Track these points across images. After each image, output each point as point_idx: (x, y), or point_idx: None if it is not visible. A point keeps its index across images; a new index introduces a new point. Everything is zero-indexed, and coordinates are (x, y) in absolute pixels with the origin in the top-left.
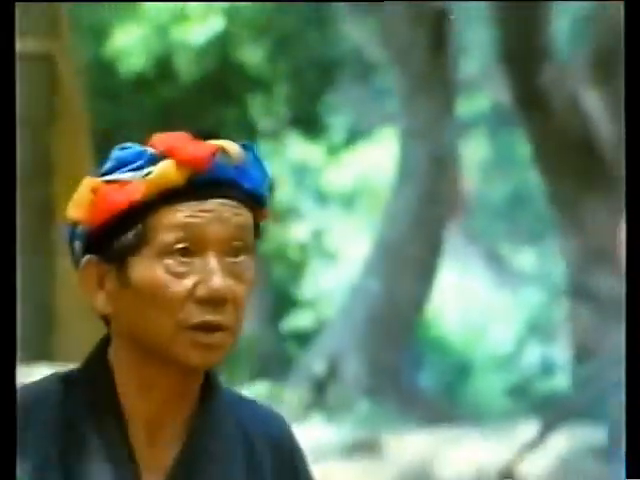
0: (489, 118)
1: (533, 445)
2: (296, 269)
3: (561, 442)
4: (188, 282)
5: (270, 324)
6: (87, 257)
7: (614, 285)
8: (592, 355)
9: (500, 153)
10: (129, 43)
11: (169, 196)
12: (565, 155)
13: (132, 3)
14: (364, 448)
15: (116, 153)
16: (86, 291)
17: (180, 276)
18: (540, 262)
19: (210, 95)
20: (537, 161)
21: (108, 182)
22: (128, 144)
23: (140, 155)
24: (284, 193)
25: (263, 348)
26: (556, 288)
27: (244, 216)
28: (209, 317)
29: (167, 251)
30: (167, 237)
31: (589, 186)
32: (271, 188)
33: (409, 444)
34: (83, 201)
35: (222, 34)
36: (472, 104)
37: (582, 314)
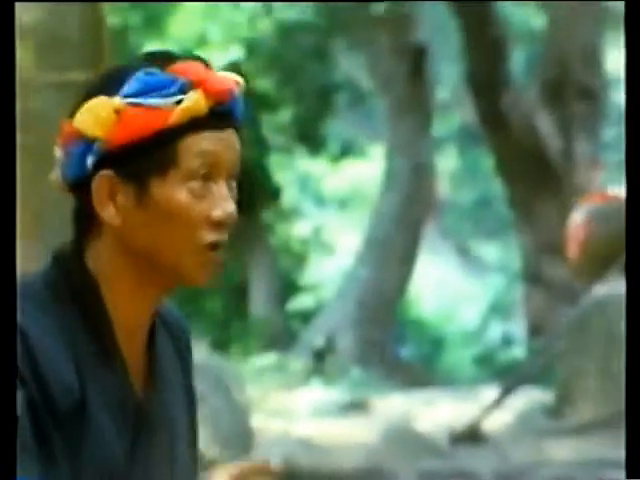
0: (459, 135)
1: (495, 405)
2: (299, 259)
3: (518, 402)
4: (206, 205)
5: (277, 305)
6: (103, 172)
7: (562, 272)
8: (543, 330)
9: (468, 164)
10: None
11: (195, 124)
12: (521, 165)
13: (158, 28)
14: (356, 407)
15: (142, 78)
16: (97, 202)
17: (201, 199)
18: (501, 253)
19: None
20: (498, 170)
21: (135, 105)
22: (152, 69)
23: (172, 83)
24: (290, 196)
25: (272, 325)
26: (514, 275)
27: (239, 144)
28: (219, 237)
29: (193, 175)
30: (194, 162)
31: (541, 190)
32: (279, 193)
33: (393, 404)
34: (105, 120)
35: (239, 64)
36: (445, 124)
37: (535, 296)
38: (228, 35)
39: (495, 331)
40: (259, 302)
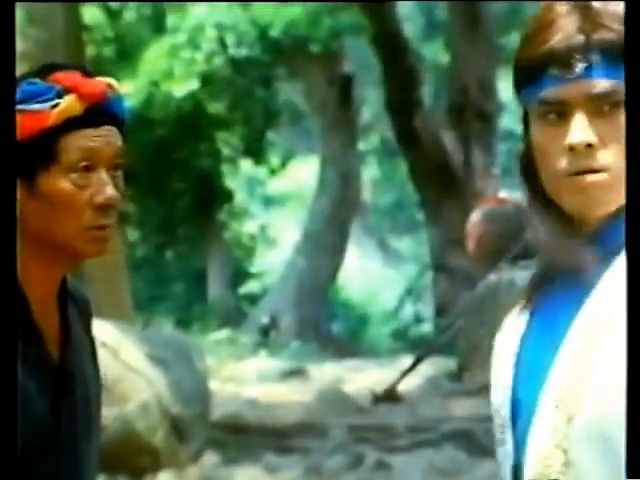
0: (379, 149)
1: (408, 371)
2: (248, 251)
3: (427, 369)
4: (88, 193)
5: (230, 289)
6: None
7: (463, 262)
8: (448, 310)
9: (387, 173)
10: (130, 93)
11: (72, 123)
12: (430, 174)
13: (129, 61)
14: (294, 374)
15: (24, 88)
16: None
17: (82, 188)
18: (414, 247)
19: (190, 133)
20: (412, 178)
21: (19, 111)
22: (33, 79)
23: (49, 90)
24: (241, 200)
25: (226, 306)
26: (424, 264)
27: (120, 139)
28: (103, 221)
29: (73, 168)
30: (73, 157)
31: (446, 195)
32: (231, 196)
33: (325, 371)
34: None
35: (197, 91)
36: (368, 140)
37: (442, 282)
38: (188, 70)
39: (409, 311)
40: (216, 287)
